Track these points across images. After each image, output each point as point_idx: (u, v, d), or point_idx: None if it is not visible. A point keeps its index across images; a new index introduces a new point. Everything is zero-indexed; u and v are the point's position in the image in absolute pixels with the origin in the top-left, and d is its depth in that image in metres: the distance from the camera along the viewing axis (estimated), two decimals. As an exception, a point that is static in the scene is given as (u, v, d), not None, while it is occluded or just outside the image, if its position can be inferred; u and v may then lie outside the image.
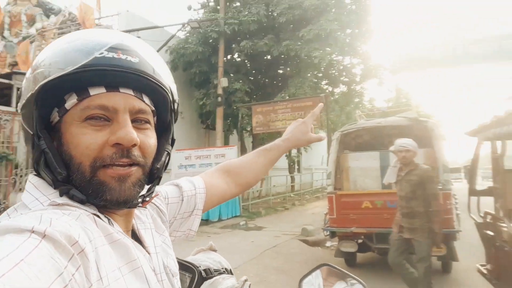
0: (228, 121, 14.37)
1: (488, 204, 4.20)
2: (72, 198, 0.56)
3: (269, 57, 14.16)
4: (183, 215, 0.85)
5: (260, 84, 15.10)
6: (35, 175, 0.60)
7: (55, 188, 0.57)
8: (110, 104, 0.57)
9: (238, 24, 12.88)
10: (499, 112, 3.49)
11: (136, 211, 0.70)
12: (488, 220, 4.01)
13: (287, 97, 13.14)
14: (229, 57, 14.78)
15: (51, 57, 0.56)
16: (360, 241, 5.49)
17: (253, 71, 15.11)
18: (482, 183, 4.60)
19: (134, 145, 0.57)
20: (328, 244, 7.27)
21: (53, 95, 0.57)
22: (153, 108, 0.64)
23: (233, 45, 13.83)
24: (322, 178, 20.71)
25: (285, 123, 12.10)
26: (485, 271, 4.05)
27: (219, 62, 13.06)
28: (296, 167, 21.65)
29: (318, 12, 12.48)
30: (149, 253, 0.64)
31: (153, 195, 0.68)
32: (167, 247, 0.73)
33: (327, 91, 15.52)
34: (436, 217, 3.95)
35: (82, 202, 0.56)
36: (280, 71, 15.40)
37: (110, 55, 0.56)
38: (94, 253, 0.49)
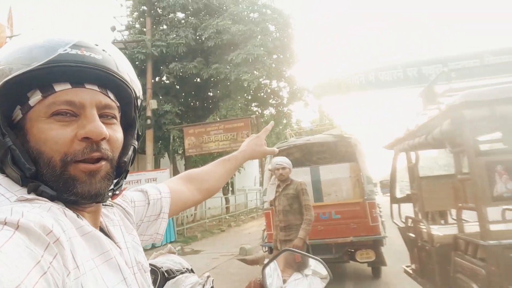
0: (159, 144, 13.99)
1: (408, 210, 4.64)
2: (41, 194, 0.55)
3: (199, 79, 14.23)
4: (150, 218, 0.86)
5: (191, 106, 15.04)
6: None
7: (22, 185, 0.55)
8: (77, 99, 0.57)
9: (166, 46, 12.81)
10: (410, 126, 3.95)
11: (104, 210, 0.70)
12: (409, 224, 4.43)
13: (219, 119, 13.25)
14: (157, 79, 14.53)
15: (14, 54, 0.55)
16: (297, 254, 5.66)
17: (183, 94, 15.01)
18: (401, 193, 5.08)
19: (104, 138, 0.58)
20: (266, 261, 7.34)
21: (15, 92, 0.55)
22: (118, 104, 0.65)
23: (162, 67, 13.67)
24: (256, 198, 20.98)
25: (218, 144, 12.14)
26: (410, 271, 4.43)
27: (147, 84, 12.77)
28: (230, 188, 21.65)
29: (245, 37, 12.96)
30: (120, 248, 0.64)
31: (122, 189, 0.68)
32: (137, 245, 0.73)
33: (257, 112, 15.98)
34: (307, 226, 4.12)
35: (51, 198, 0.56)
36: (211, 94, 15.53)
37: (74, 52, 0.56)
38: (68, 242, 0.49)
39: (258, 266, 7.41)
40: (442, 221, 4.48)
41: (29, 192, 0.55)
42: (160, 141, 13.89)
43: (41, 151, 0.56)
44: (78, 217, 0.57)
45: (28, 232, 0.44)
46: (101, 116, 0.60)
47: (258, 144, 1.14)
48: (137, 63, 13.19)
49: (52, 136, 0.55)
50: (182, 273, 0.95)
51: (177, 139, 13.03)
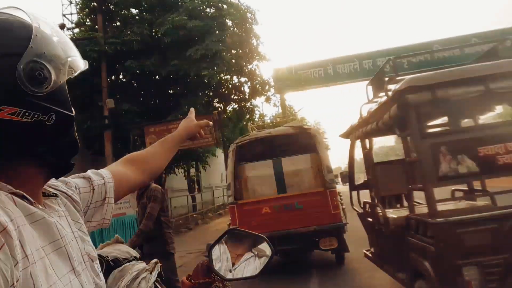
0: (119, 144, 13.56)
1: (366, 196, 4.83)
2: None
3: (157, 77, 13.91)
4: (96, 204, 0.86)
5: (150, 105, 14.67)
6: None
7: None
8: None
9: (120, 43, 12.39)
10: (363, 114, 4.11)
11: (47, 201, 0.70)
12: (367, 209, 4.61)
13: (180, 116, 13.04)
14: (113, 77, 14.05)
15: (73, 48, 0.68)
16: (263, 246, 5.73)
17: (142, 92, 14.61)
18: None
19: None
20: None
21: None
22: None
23: (117, 65, 13.23)
24: (223, 195, 20.92)
25: (180, 142, 11.98)
26: (370, 255, 4.62)
27: (103, 82, 12.30)
28: (196, 186, 21.45)
29: (202, 33, 12.80)
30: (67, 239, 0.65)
31: None
32: (84, 234, 0.73)
33: (219, 108, 15.91)
34: (136, 236, 3.70)
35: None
36: (171, 91, 15.24)
37: None
38: (17, 232, 0.49)
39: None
40: (398, 205, 4.71)
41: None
42: (120, 142, 13.47)
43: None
44: (31, 203, 0.57)
45: None
46: None
47: (190, 121, 1.18)
48: (90, 61, 12.68)
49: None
50: (129, 261, 0.94)
51: (138, 139, 12.70)
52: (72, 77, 0.65)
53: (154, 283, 0.89)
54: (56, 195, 0.73)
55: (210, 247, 0.85)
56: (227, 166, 6.57)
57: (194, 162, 18.63)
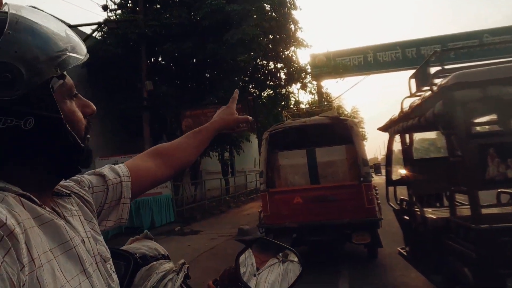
0: (156, 126, 13.92)
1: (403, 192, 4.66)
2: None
3: (194, 60, 14.03)
4: (111, 204, 0.83)
5: (187, 88, 14.87)
6: None
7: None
8: (73, 83, 0.65)
9: (159, 26, 12.55)
10: (404, 108, 3.91)
11: (60, 200, 0.69)
12: (404, 206, 4.45)
13: (216, 101, 13.15)
14: (152, 60, 14.33)
15: (65, 40, 0.61)
16: (294, 235, 5.71)
17: (180, 75, 14.84)
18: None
19: None
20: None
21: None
22: None
23: (156, 48, 13.45)
24: (256, 180, 21.05)
25: (215, 127, 12.12)
26: (404, 253, 4.48)
27: (142, 65, 12.58)
28: (230, 170, 21.74)
29: (240, 17, 12.69)
30: (82, 238, 0.64)
31: None
32: (97, 234, 0.72)
33: (255, 94, 15.86)
34: None
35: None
36: (207, 75, 15.36)
37: None
38: (23, 235, 0.48)
39: (255, 247, 7.51)
40: (437, 204, 4.50)
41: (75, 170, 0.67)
42: (157, 123, 13.82)
43: (74, 131, 0.62)
44: (39, 206, 0.56)
45: None
46: None
47: (228, 113, 1.12)
48: (131, 43, 12.98)
49: (79, 116, 0.64)
50: (157, 259, 0.94)
51: (174, 122, 12.97)
52: (62, 72, 0.59)
53: (180, 284, 0.87)
54: (69, 195, 0.72)
55: (238, 254, 0.82)
56: (260, 152, 6.55)
57: (228, 146, 18.83)
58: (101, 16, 13.37)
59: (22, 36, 0.54)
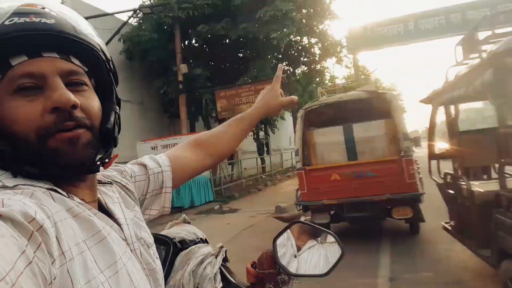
0: (192, 108, 14.16)
1: (447, 165, 4.46)
2: (27, 175, 0.54)
3: (227, 41, 13.97)
4: (152, 193, 0.83)
5: (221, 69, 14.93)
6: None
7: (5, 169, 0.54)
8: (36, 70, 0.53)
9: (192, 8, 12.55)
10: (449, 78, 3.67)
11: (103, 188, 0.69)
12: (448, 180, 4.26)
13: (250, 80, 13.10)
14: (186, 43, 14.44)
15: None
16: (332, 212, 5.68)
17: (213, 56, 14.88)
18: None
19: (74, 106, 0.54)
20: (302, 218, 7.44)
21: None
22: (86, 69, 0.60)
23: (190, 31, 13.51)
24: (291, 158, 21.03)
25: (250, 106, 12.08)
26: (449, 228, 4.33)
27: (177, 48, 12.72)
28: (265, 149, 21.83)
29: (272, -8, 12.41)
30: (120, 225, 0.63)
31: (112, 157, 0.66)
32: (139, 220, 0.72)
33: (288, 71, 15.62)
34: None
35: (37, 177, 0.54)
36: (240, 55, 15.28)
37: (22, 20, 0.52)
38: (53, 229, 0.47)
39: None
40: (485, 177, 4.27)
41: (14, 175, 0.53)
42: (193, 105, 14.04)
43: (14, 131, 0.53)
44: (69, 197, 0.55)
45: (11, 221, 0.42)
46: (68, 84, 0.56)
47: (273, 96, 1.02)
48: (165, 27, 13.11)
49: (22, 113, 0.52)
50: (196, 243, 0.95)
51: (209, 103, 13.12)
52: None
53: (219, 267, 0.88)
54: (110, 183, 0.72)
55: (275, 238, 0.81)
56: (295, 130, 6.49)
57: (263, 125, 18.85)
58: (137, 2, 13.52)
59: None
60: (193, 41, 14.67)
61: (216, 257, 0.90)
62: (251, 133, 18.09)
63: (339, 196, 5.54)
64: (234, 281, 0.88)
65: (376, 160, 5.68)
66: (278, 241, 0.83)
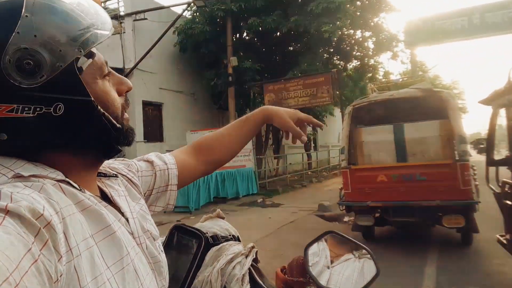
0: (241, 100, 14.33)
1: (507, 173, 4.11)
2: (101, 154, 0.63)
3: (278, 34, 13.90)
4: (158, 189, 0.84)
5: (270, 62, 14.91)
6: None
7: (106, 156, 0.64)
8: (104, 59, 0.61)
9: (244, 1, 12.62)
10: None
11: (108, 181, 0.71)
12: (506, 189, 3.94)
13: (299, 74, 12.96)
14: (237, 35, 14.58)
15: (91, 19, 0.56)
16: (377, 214, 5.49)
17: (263, 49, 14.89)
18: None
19: None
20: (345, 219, 7.31)
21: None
22: None
23: (241, 23, 13.61)
24: (339, 155, 20.54)
25: (298, 101, 12.00)
26: (504, 241, 4.01)
27: (228, 41, 12.89)
28: (313, 144, 21.58)
29: (326, -16, 12.11)
30: (126, 218, 0.64)
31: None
32: (145, 213, 0.73)
33: (340, 66, 15.23)
34: None
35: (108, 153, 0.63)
36: (290, 48, 15.15)
37: None
38: (61, 224, 0.47)
39: (336, 223, 7.43)
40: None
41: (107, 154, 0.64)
42: (242, 98, 14.20)
43: (111, 111, 0.60)
44: (80, 191, 0.56)
45: (18, 217, 0.42)
46: None
47: (290, 112, 0.95)
48: (218, 20, 13.33)
49: (114, 95, 0.61)
50: (227, 240, 0.96)
51: (257, 96, 13.19)
52: (86, 51, 0.54)
53: (249, 268, 0.88)
54: (116, 176, 0.74)
55: (307, 246, 0.79)
56: (343, 128, 6.33)
57: (311, 121, 18.61)
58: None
59: (40, 18, 0.50)
60: (244, 34, 14.78)
61: (246, 257, 0.90)
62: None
63: (385, 199, 5.34)
64: (263, 284, 0.88)
65: (427, 163, 5.38)
66: (310, 250, 0.81)
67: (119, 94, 0.63)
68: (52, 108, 0.52)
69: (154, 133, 13.03)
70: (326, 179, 16.64)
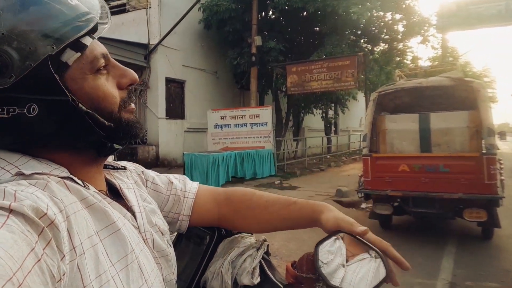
0: (263, 81, 14.19)
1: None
2: (110, 149, 0.59)
3: (304, 13, 13.55)
4: (168, 214, 0.80)
5: (295, 43, 14.61)
6: None
7: (100, 155, 0.60)
8: (104, 51, 0.57)
9: (272, -22, 12.31)
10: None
11: (116, 173, 0.70)
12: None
13: (324, 56, 12.67)
14: (263, 14, 14.31)
15: (73, 12, 0.53)
16: (396, 204, 5.41)
17: (288, 29, 14.57)
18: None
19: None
20: (363, 206, 7.26)
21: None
22: None
23: (267, 1, 13.32)
24: (360, 140, 20.28)
25: (321, 84, 11.78)
26: (527, 238, 3.89)
27: (253, 19, 12.66)
28: (333, 128, 21.32)
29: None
30: (134, 212, 0.63)
31: None
32: (155, 207, 0.72)
33: (366, 49, 14.79)
34: None
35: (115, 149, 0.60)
36: (316, 29, 14.76)
37: None
38: (65, 223, 0.47)
39: (354, 209, 7.38)
40: None
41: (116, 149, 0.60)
42: (264, 79, 14.06)
43: (102, 107, 0.56)
44: (84, 186, 0.55)
45: (22, 216, 0.42)
46: None
47: (348, 222, 0.73)
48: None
49: (107, 90, 0.57)
50: (240, 232, 0.95)
51: (280, 77, 13.01)
52: (59, 48, 0.50)
53: (260, 261, 0.87)
54: (124, 168, 0.73)
55: (318, 243, 0.77)
56: (366, 114, 6.19)
57: (333, 104, 18.31)
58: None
59: (9, 15, 0.47)
60: (270, 13, 14.48)
61: (257, 250, 0.89)
62: (320, 111, 17.72)
63: (406, 188, 5.24)
64: (273, 277, 0.87)
65: (452, 154, 5.22)
66: (322, 247, 0.79)
67: (121, 88, 0.59)
68: (25, 109, 0.49)
69: (176, 110, 13.14)
70: (345, 164, 16.48)
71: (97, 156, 0.60)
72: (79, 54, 0.53)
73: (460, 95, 5.41)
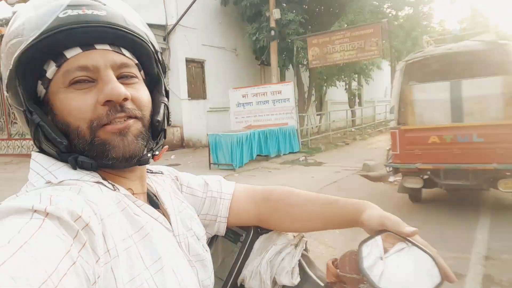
0: (283, 55, 13.90)
1: None
2: (81, 165, 0.56)
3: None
4: (206, 217, 0.80)
5: (315, 13, 14.12)
6: (37, 151, 0.60)
7: (62, 160, 0.57)
8: (89, 63, 0.54)
9: None
10: None
11: (153, 177, 0.71)
12: None
13: (345, 26, 12.21)
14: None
15: (19, 27, 0.54)
16: (425, 176, 5.27)
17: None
18: None
19: (125, 99, 0.56)
20: (391, 179, 7.12)
21: (32, 67, 0.54)
22: (136, 61, 0.61)
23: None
24: (385, 111, 19.75)
25: (344, 55, 11.40)
26: None
27: (271, -9, 12.29)
28: (357, 100, 20.83)
29: None
30: (168, 215, 0.64)
31: (162, 149, 0.66)
32: (191, 211, 0.73)
33: (390, 15, 14.14)
34: None
35: (91, 167, 0.56)
36: (337, -3, 14.21)
37: (75, 12, 0.53)
38: (100, 226, 0.48)
39: (381, 183, 7.27)
40: None
41: (73, 166, 0.56)
42: (284, 53, 13.76)
43: (68, 123, 0.55)
44: (114, 190, 0.56)
45: (58, 220, 0.43)
46: (120, 77, 0.57)
47: (395, 222, 0.66)
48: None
49: (75, 105, 0.54)
50: None
51: (301, 50, 12.69)
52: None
53: (299, 259, 0.85)
54: (162, 172, 0.74)
55: (362, 242, 0.73)
56: (392, 83, 5.95)
57: (356, 75, 17.80)
58: None
59: None
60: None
61: (295, 247, 0.86)
62: (343, 83, 17.28)
63: (436, 161, 5.08)
64: (314, 276, 0.84)
65: (486, 123, 4.98)
66: (365, 246, 0.75)
67: (99, 103, 0.55)
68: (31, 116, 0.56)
69: (197, 90, 13.15)
70: (371, 136, 16.15)
71: (75, 168, 0.57)
72: (55, 68, 0.54)
73: (494, 59, 5.09)
